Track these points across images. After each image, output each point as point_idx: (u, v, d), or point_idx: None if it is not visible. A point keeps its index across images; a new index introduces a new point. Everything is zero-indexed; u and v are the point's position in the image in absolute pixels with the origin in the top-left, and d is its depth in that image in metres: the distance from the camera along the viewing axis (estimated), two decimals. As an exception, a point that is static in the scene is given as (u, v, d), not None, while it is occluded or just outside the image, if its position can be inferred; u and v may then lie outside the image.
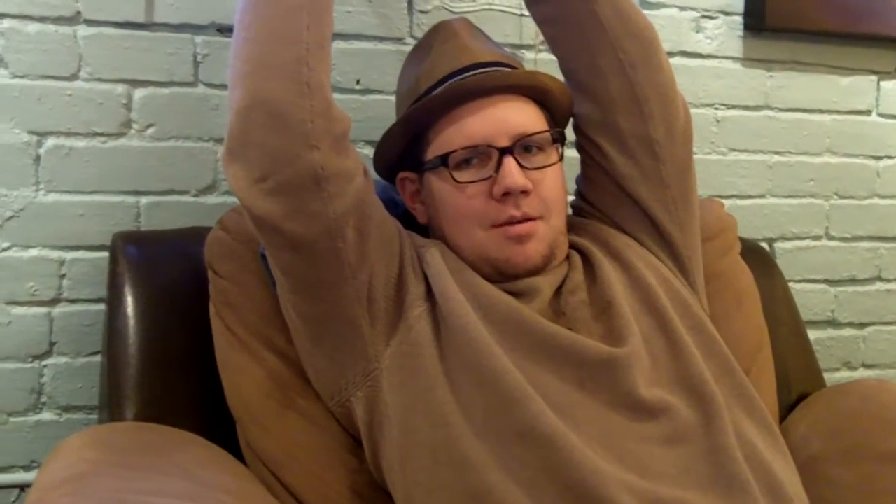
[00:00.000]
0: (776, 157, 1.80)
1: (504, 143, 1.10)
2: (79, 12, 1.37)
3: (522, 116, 1.14)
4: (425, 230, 1.20)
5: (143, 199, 1.41)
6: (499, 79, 1.14)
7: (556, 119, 1.20)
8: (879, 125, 1.87)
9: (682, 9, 1.69)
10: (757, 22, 1.72)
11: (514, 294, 1.10)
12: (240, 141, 1.02)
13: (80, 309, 1.40)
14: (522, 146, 1.12)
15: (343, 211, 1.02)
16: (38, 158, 1.37)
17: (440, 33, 1.22)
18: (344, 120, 1.06)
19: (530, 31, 1.56)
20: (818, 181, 1.83)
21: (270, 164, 1.00)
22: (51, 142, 1.37)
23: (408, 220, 1.20)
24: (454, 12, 1.54)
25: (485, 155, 1.11)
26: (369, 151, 1.36)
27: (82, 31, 1.37)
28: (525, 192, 1.09)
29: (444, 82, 1.15)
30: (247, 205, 1.02)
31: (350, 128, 1.07)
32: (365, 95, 1.51)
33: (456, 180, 1.11)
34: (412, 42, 1.51)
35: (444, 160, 1.12)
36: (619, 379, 1.03)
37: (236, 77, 1.04)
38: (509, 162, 1.09)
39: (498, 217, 1.10)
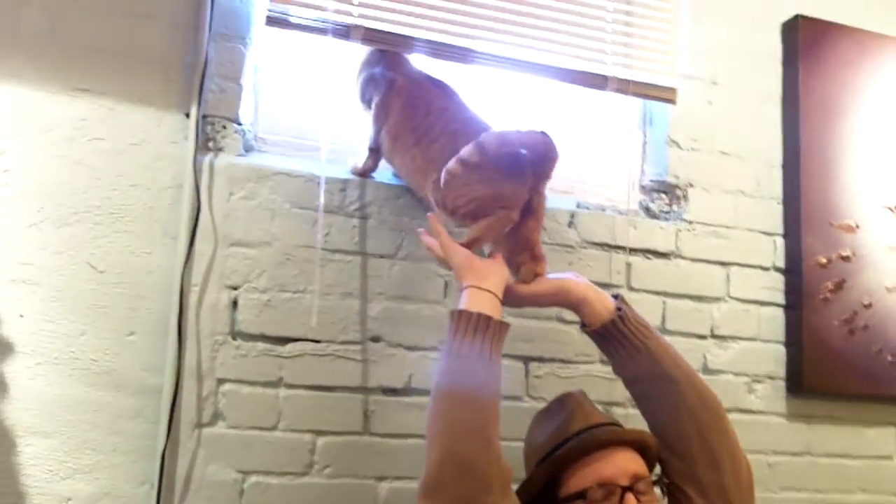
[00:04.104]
0: (819, 496, 2.24)
1: (625, 482, 1.55)
2: (281, 378, 1.86)
3: (634, 463, 1.59)
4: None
5: (319, 526, 1.84)
6: (619, 434, 1.61)
7: (650, 465, 1.65)
8: (902, 469, 2.34)
9: (737, 374, 2.21)
10: (796, 386, 2.24)
11: None
12: (434, 485, 1.45)
13: None
14: (638, 486, 1.56)
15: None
16: (241, 492, 1.80)
17: (567, 401, 1.70)
18: (510, 470, 1.50)
19: (620, 391, 2.05)
20: (854, 517, 2.27)
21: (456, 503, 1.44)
22: (253, 479, 1.81)
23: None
24: (561, 376, 2.04)
25: (611, 492, 1.54)
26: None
27: (283, 392, 1.86)
28: None
29: (575, 437, 1.61)
30: None
31: (513, 477, 1.51)
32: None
33: None
34: (529, 399, 1.99)
35: (581, 495, 1.55)
36: None
37: (435, 435, 1.49)
38: (630, 497, 1.53)
39: None
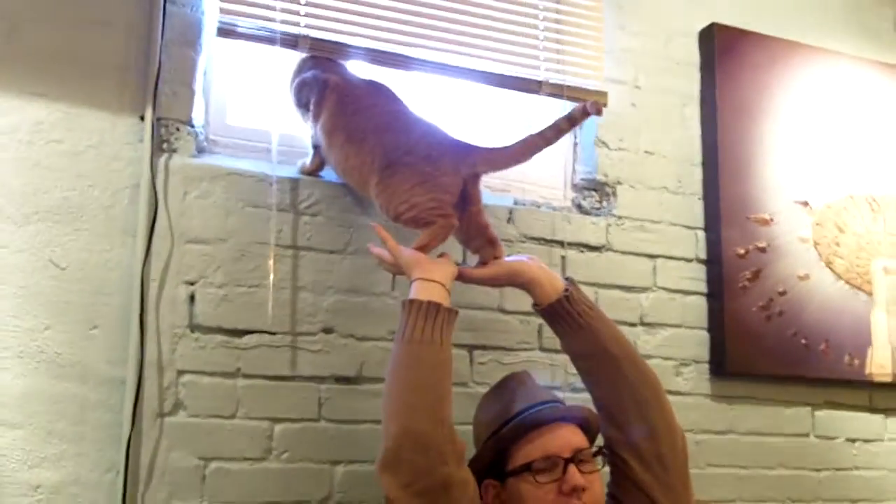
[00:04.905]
0: (742, 471, 2.42)
1: (568, 454, 1.69)
2: (239, 368, 1.96)
3: (576, 437, 1.74)
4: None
5: (277, 509, 1.94)
6: (562, 411, 1.77)
7: (591, 439, 1.80)
8: (816, 444, 2.53)
9: (665, 358, 2.38)
10: (719, 368, 2.42)
11: None
12: (393, 458, 1.57)
13: None
14: (580, 458, 1.71)
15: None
16: (203, 478, 1.90)
17: (512, 381, 1.85)
18: (464, 444, 1.64)
19: (559, 376, 2.21)
20: (775, 489, 2.45)
21: (414, 476, 1.56)
22: (214, 465, 1.91)
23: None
24: (503, 363, 2.18)
25: (555, 464, 1.69)
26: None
27: (240, 382, 1.96)
28: (584, 489, 1.67)
29: (522, 414, 1.75)
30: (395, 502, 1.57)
31: (466, 448, 1.64)
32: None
33: (537, 481, 1.68)
34: (473, 385, 2.13)
35: (527, 467, 1.69)
36: None
37: (392, 413, 1.61)
38: (572, 468, 1.68)
39: None
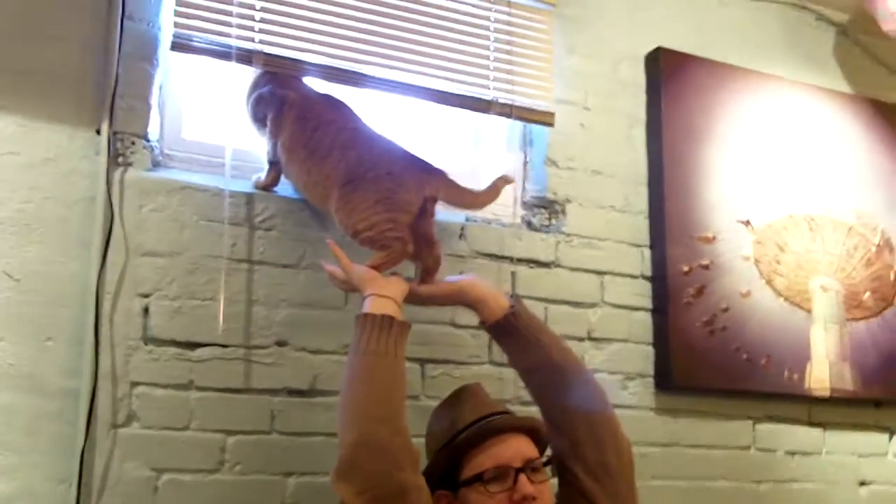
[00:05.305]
0: (686, 483, 2.49)
1: (518, 464, 1.74)
2: (192, 380, 1.99)
3: (527, 447, 1.79)
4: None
5: (230, 521, 1.97)
6: (512, 422, 1.81)
7: (541, 449, 1.85)
8: (757, 457, 2.61)
9: (612, 373, 2.45)
10: (664, 382, 2.49)
11: None
12: (348, 466, 1.61)
13: None
14: (530, 468, 1.76)
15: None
16: (156, 489, 1.92)
17: (464, 393, 1.89)
18: (419, 452, 1.68)
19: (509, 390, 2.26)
20: (718, 501, 2.52)
21: (369, 482, 1.60)
22: (166, 476, 1.93)
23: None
24: (454, 376, 2.23)
25: (506, 473, 1.73)
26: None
27: (193, 394, 1.99)
28: (534, 498, 1.71)
29: (473, 424, 1.79)
30: None
31: (420, 457, 1.69)
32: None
33: (489, 490, 1.72)
34: (425, 398, 2.17)
35: (479, 477, 1.73)
36: None
37: (347, 423, 1.66)
38: (523, 477, 1.73)
39: None
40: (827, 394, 2.67)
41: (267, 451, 2.03)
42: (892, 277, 2.85)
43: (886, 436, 2.82)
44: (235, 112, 2.12)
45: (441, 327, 2.24)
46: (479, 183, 2.01)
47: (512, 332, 1.86)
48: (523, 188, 2.50)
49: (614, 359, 2.46)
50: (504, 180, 1.96)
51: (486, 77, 2.35)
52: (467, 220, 2.35)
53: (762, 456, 2.62)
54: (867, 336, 2.76)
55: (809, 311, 2.69)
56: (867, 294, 2.79)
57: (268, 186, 2.12)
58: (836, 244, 2.78)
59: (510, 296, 1.91)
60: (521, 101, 2.38)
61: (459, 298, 1.91)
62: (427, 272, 1.92)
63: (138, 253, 1.98)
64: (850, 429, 2.75)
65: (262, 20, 2.11)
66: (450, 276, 1.97)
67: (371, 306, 1.77)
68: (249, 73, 2.11)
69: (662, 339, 2.50)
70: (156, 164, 2.07)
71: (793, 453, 2.65)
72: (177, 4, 2.02)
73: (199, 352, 2.00)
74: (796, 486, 2.64)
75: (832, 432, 2.73)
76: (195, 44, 2.04)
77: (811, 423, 2.70)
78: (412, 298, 1.86)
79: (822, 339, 2.68)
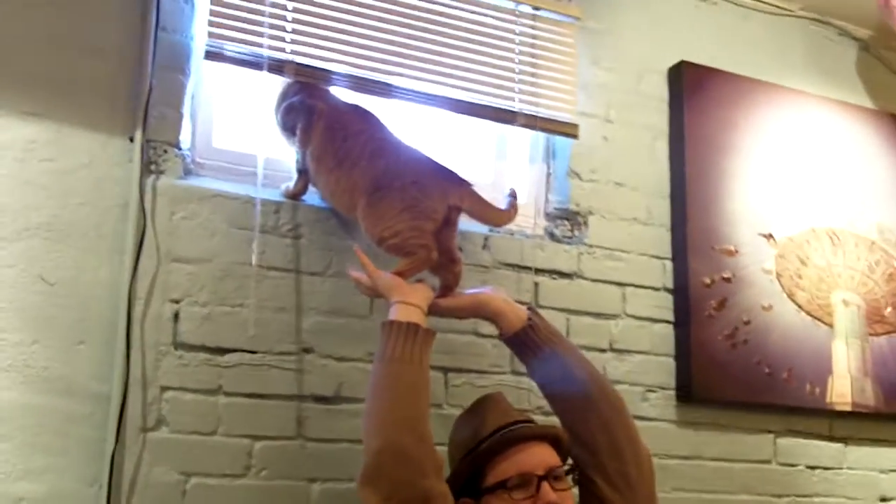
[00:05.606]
0: (706, 496, 2.51)
1: (541, 472, 1.76)
2: (220, 386, 2.02)
3: (549, 455, 1.81)
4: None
5: (256, 526, 2.00)
6: (535, 430, 1.83)
7: (563, 458, 1.87)
8: (778, 471, 2.62)
9: (633, 384, 2.47)
10: (685, 395, 2.51)
11: None
12: (374, 473, 1.64)
13: None
14: (553, 475, 1.78)
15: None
16: (184, 493, 1.95)
17: (487, 402, 1.92)
18: (442, 460, 1.71)
19: (530, 399, 2.29)
20: (738, 514, 2.54)
21: (394, 489, 1.62)
22: (194, 480, 1.97)
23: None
24: (477, 385, 2.26)
25: (529, 481, 1.76)
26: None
27: (222, 399, 2.02)
28: None
29: (497, 432, 1.82)
30: None
31: (444, 464, 1.71)
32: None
33: (512, 497, 1.74)
34: (448, 407, 2.20)
35: (502, 484, 1.76)
36: None
37: (373, 429, 1.68)
38: (546, 485, 1.75)
39: None
40: (848, 408, 2.69)
41: (293, 456, 2.06)
42: (913, 293, 2.86)
43: (907, 451, 2.83)
44: (266, 121, 2.15)
45: (464, 336, 2.27)
46: (502, 193, 2.04)
47: (530, 344, 1.90)
48: (546, 199, 2.53)
49: (636, 370, 2.48)
50: (513, 196, 2.01)
51: (511, 89, 2.39)
52: (490, 230, 2.38)
53: (783, 470, 2.63)
54: (889, 351, 2.77)
55: (831, 326, 2.71)
56: (889, 309, 2.81)
57: (297, 195, 2.16)
58: (859, 259, 2.80)
59: (528, 308, 1.93)
60: (545, 112, 2.41)
61: (478, 311, 1.95)
62: (447, 287, 1.95)
63: (169, 259, 2.02)
64: (872, 444, 2.76)
65: (294, 31, 2.15)
66: (469, 289, 2.00)
67: (397, 314, 1.80)
68: (279, 83, 2.14)
69: (684, 351, 2.52)
70: (187, 172, 2.11)
71: (814, 468, 2.67)
72: (210, 15, 2.06)
73: (228, 357, 2.04)
74: (817, 500, 2.65)
75: (853, 447, 2.74)
76: (227, 53, 2.08)
77: (832, 438, 2.71)
78: (432, 310, 1.89)
79: (843, 353, 2.70)
